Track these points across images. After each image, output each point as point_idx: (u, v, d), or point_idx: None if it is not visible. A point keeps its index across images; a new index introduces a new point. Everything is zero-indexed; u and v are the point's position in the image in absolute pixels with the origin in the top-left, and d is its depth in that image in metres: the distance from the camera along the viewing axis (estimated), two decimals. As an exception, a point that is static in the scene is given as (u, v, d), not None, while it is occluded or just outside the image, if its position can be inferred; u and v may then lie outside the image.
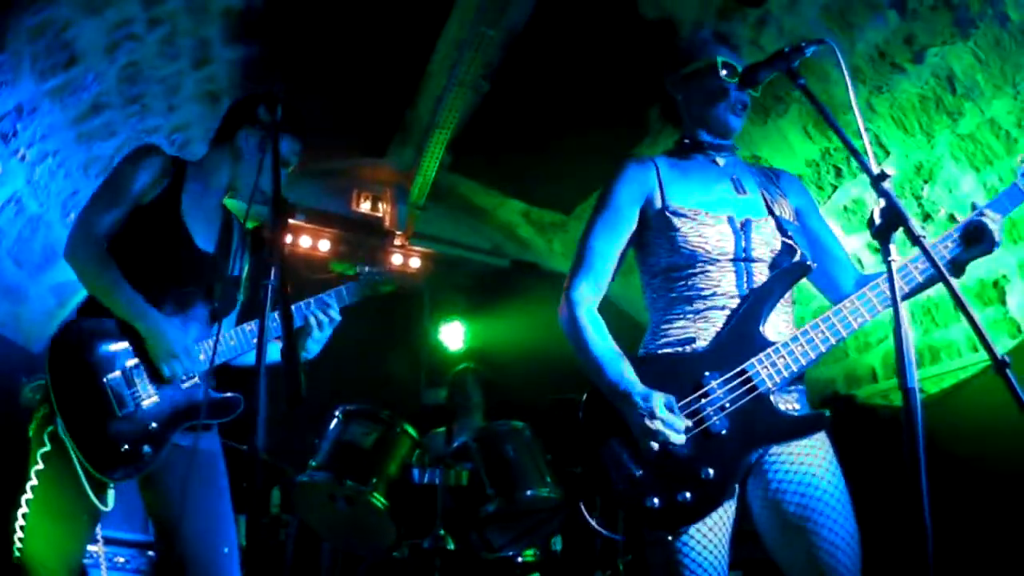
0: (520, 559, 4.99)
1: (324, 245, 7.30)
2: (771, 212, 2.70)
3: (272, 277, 2.25)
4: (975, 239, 2.48)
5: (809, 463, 2.44)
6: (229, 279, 3.18)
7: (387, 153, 6.97)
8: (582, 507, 2.47)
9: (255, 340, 2.82)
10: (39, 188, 4.67)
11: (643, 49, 4.60)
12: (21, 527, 2.76)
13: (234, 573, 2.93)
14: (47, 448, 2.74)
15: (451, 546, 4.67)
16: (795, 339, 2.44)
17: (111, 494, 2.83)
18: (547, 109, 5.68)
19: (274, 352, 3.19)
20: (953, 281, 2.04)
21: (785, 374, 2.42)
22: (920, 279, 2.48)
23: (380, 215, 7.60)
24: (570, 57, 5.09)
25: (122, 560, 4.43)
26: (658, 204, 2.66)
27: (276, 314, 2.89)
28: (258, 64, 5.03)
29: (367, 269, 3.45)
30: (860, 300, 2.46)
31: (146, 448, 2.81)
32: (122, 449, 2.76)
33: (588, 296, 2.62)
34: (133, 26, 4.14)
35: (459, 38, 5.28)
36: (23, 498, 2.76)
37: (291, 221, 7.20)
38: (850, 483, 2.48)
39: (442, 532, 4.58)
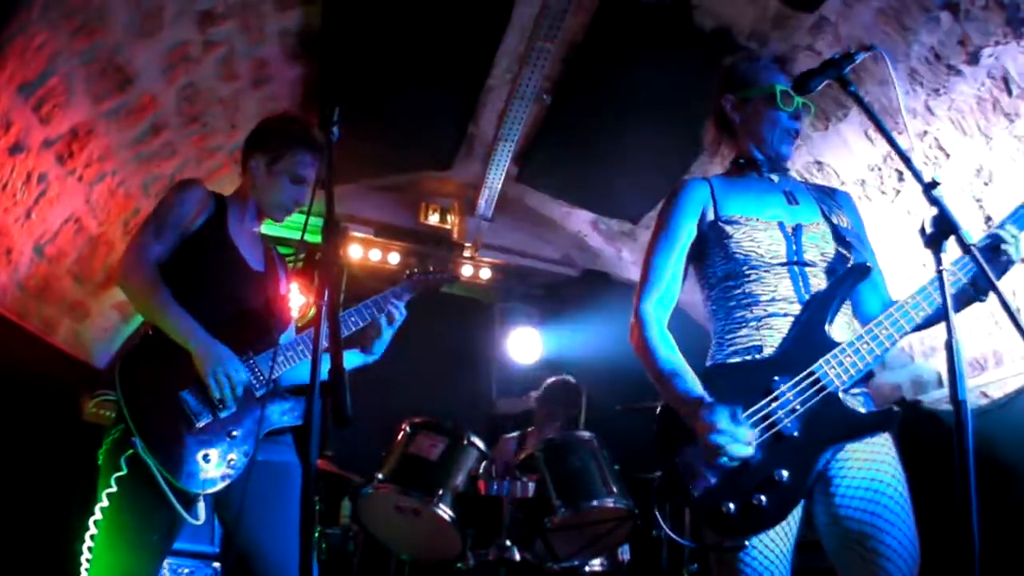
0: (586, 569, 4.99)
1: (394, 258, 7.42)
2: (827, 219, 2.76)
3: (324, 297, 2.29)
4: (993, 255, 2.44)
5: (876, 468, 2.43)
6: (280, 297, 3.25)
7: (453, 166, 7.00)
8: (656, 514, 2.48)
9: (308, 350, 2.86)
10: (98, 208, 4.75)
11: (698, 59, 4.59)
12: (89, 548, 2.74)
13: None
14: (123, 472, 2.71)
15: (516, 556, 4.68)
16: (859, 338, 2.46)
17: (201, 506, 2.83)
18: (610, 120, 5.68)
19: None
20: (1002, 286, 2.02)
21: (852, 372, 2.43)
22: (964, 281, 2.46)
23: (449, 227, 7.66)
24: (629, 68, 5.10)
25: (186, 571, 4.52)
26: (711, 216, 2.75)
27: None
28: (319, 82, 5.08)
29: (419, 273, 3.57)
30: (920, 295, 2.47)
31: (230, 456, 2.84)
32: (206, 460, 2.79)
33: (656, 312, 2.67)
34: (188, 48, 4.22)
35: (518, 51, 5.32)
36: (91, 520, 2.73)
37: (359, 235, 7.33)
38: (915, 489, 2.47)
39: (507, 542, 4.59)
